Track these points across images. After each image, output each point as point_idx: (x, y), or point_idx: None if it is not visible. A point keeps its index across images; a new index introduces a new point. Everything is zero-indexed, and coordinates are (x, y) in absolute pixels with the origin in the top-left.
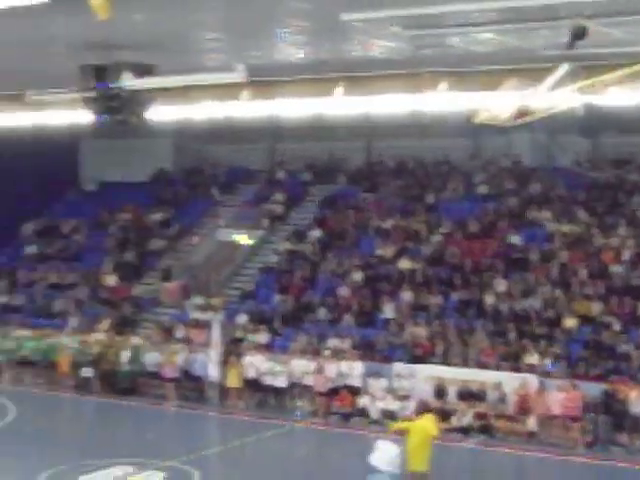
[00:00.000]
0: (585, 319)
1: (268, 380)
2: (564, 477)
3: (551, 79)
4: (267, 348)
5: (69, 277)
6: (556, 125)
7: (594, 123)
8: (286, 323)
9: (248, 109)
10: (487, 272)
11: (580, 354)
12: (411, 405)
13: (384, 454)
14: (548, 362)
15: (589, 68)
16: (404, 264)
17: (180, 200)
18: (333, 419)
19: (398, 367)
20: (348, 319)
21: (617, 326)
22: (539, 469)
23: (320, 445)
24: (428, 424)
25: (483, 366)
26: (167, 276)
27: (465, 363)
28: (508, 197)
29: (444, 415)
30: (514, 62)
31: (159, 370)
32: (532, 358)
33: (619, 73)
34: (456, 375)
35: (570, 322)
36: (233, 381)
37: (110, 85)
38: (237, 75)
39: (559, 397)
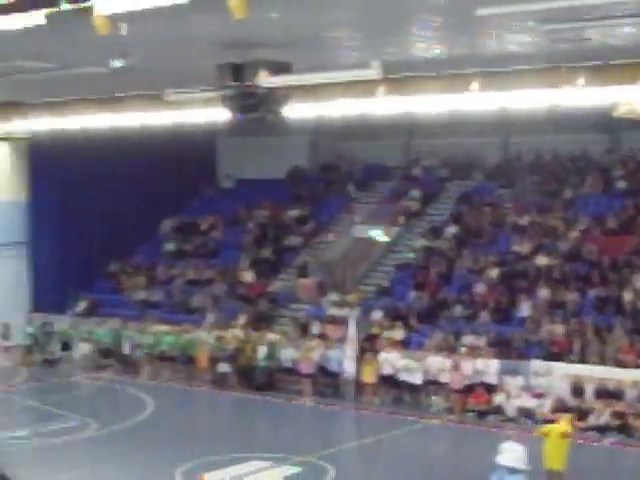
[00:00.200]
0: None
1: (403, 377)
2: None
3: None
4: (403, 345)
5: (206, 273)
6: None
7: None
8: (422, 320)
9: (383, 106)
10: (625, 268)
11: None
12: (547, 403)
13: (512, 454)
14: None
15: None
16: (541, 260)
17: (316, 197)
18: (468, 417)
19: (535, 365)
20: (484, 316)
21: None
22: None
23: (455, 442)
24: (565, 426)
25: (621, 364)
26: (303, 272)
27: (602, 361)
28: None
29: (581, 414)
30: None
31: (295, 366)
32: None
33: None
34: (593, 373)
35: None
36: (368, 377)
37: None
38: (372, 72)
39: None
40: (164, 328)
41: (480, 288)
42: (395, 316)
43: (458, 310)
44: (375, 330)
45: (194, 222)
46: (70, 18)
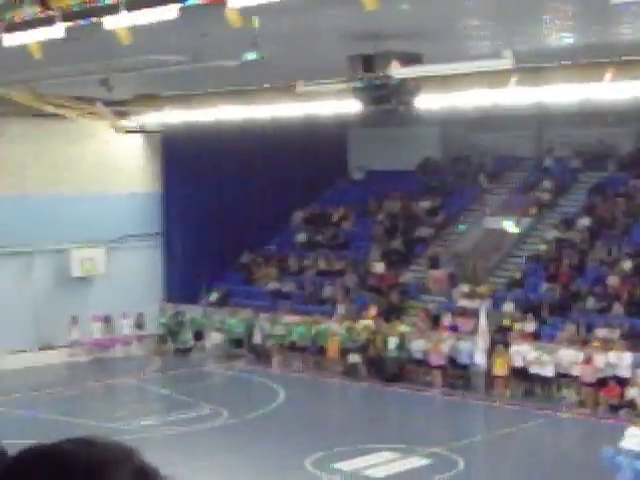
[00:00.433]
0: None
1: (535, 369)
2: None
3: None
4: (534, 337)
5: (337, 264)
6: None
7: None
8: (554, 312)
9: (515, 96)
10: None
11: None
12: None
13: (636, 438)
14: None
15: None
16: None
17: (447, 188)
18: (600, 410)
19: None
20: (617, 308)
21: None
22: None
23: (585, 437)
24: None
25: None
26: (434, 264)
27: None
28: None
29: None
30: None
31: (425, 357)
32: None
33: None
34: None
35: None
36: (499, 370)
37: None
38: (504, 62)
39: None
40: (295, 319)
41: (613, 280)
42: (526, 308)
43: (591, 302)
44: (506, 322)
45: (325, 213)
46: (203, 12)
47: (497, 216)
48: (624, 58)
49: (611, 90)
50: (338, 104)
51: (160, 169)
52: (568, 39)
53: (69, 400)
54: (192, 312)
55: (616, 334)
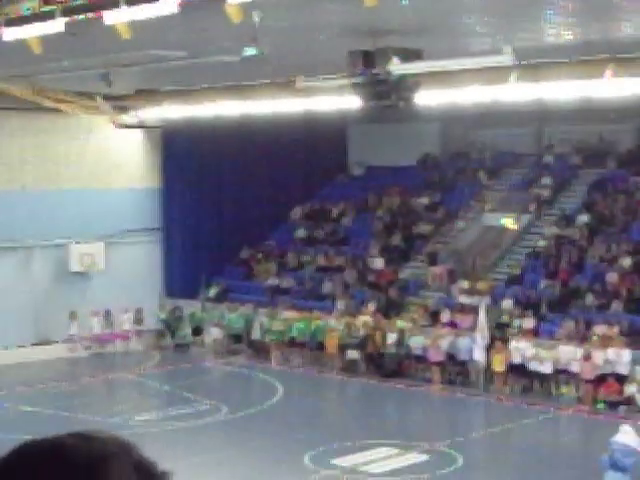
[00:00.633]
0: None
1: (533, 366)
2: None
3: None
4: (533, 333)
5: (337, 260)
6: None
7: None
8: (553, 308)
9: (516, 92)
10: None
11: None
12: None
13: (629, 435)
14: None
15: None
16: None
17: (447, 184)
18: (599, 407)
19: None
20: (616, 305)
21: None
22: None
23: (584, 433)
24: None
25: None
26: (433, 260)
27: None
28: None
29: None
30: None
31: (424, 353)
32: None
33: None
34: None
35: None
36: (498, 366)
37: (378, 70)
38: (504, 58)
39: None
40: (294, 314)
41: (612, 277)
42: (526, 304)
43: (590, 299)
44: (505, 318)
45: (324, 209)
46: (203, 6)
47: (496, 212)
48: (624, 55)
49: (611, 87)
50: (338, 100)
51: (160, 164)
52: (569, 36)
53: (68, 395)
54: (191, 307)
55: (615, 331)
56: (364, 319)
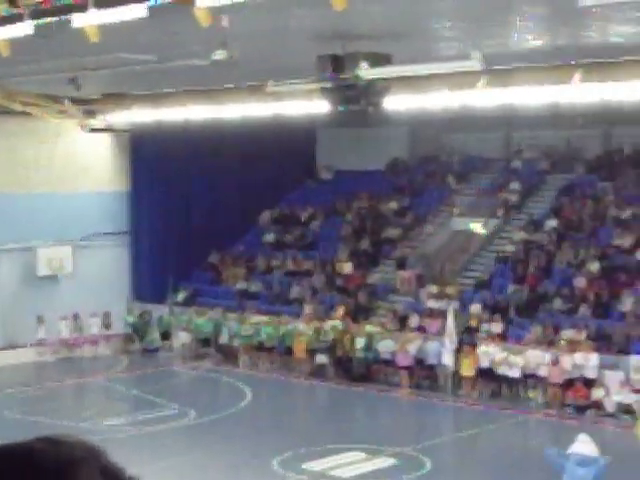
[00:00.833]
0: None
1: (502, 370)
2: None
3: None
4: (501, 338)
5: (305, 264)
6: None
7: None
8: (521, 313)
9: (484, 97)
10: None
11: None
12: None
13: (586, 445)
14: None
15: None
16: None
17: (415, 189)
18: (567, 411)
19: (635, 360)
20: (584, 310)
21: None
22: None
23: (552, 437)
24: None
25: None
26: (402, 264)
27: None
28: None
29: None
30: None
31: (393, 358)
32: None
33: None
34: None
35: None
36: (466, 370)
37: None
38: (473, 63)
39: None
40: (263, 319)
41: (580, 282)
42: (494, 309)
43: (557, 304)
44: (474, 323)
45: (293, 213)
46: (172, 10)
47: (465, 217)
48: (592, 60)
49: (579, 92)
50: (307, 104)
51: (128, 168)
52: (537, 41)
53: (36, 400)
54: (159, 311)
55: (583, 335)
56: (333, 323)
